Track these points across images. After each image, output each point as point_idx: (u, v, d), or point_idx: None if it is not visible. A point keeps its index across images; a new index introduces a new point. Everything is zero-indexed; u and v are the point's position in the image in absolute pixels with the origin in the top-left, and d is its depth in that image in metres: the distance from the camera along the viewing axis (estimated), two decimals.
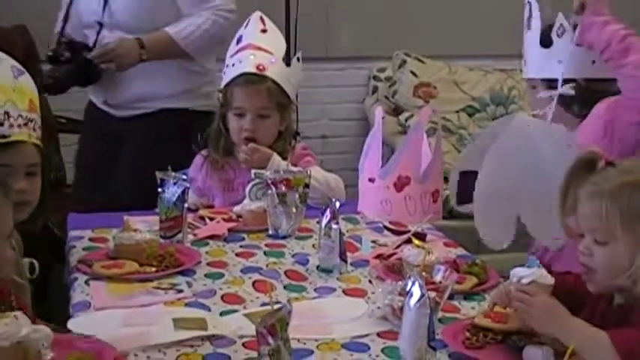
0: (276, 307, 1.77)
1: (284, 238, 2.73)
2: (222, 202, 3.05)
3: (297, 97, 4.77)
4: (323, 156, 5.00)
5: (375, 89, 5.27)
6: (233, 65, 3.07)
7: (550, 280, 2.06)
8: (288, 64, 3.19)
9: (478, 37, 5.30)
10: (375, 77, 5.29)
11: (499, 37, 5.32)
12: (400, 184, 2.86)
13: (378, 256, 2.57)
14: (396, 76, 5.12)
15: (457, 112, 5.03)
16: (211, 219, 2.83)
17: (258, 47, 3.07)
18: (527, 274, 2.05)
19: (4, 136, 2.30)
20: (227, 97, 3.07)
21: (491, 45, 5.32)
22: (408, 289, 1.96)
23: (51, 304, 2.71)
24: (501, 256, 4.28)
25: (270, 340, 1.72)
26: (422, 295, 1.92)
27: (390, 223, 2.84)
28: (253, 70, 3.02)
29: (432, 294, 2.11)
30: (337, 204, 2.47)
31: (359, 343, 2.04)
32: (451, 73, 5.16)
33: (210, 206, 3.01)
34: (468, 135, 4.91)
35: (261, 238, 2.74)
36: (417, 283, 1.94)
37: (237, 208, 2.88)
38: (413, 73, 5.09)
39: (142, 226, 2.74)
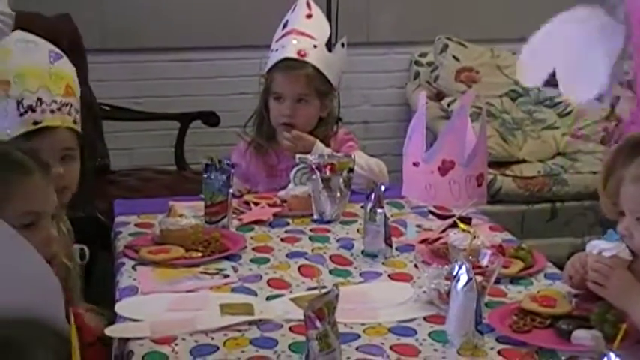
0: (323, 291, 1.77)
1: (328, 222, 2.73)
2: (265, 187, 3.05)
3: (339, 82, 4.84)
4: (365, 141, 5.00)
5: (417, 74, 5.24)
6: (276, 50, 3.07)
7: (629, 255, 2.04)
8: (330, 50, 3.18)
9: (521, 20, 5.22)
10: (416, 62, 5.26)
11: (542, 21, 5.29)
12: (444, 169, 2.84)
13: (424, 241, 2.56)
14: (438, 61, 5.09)
15: (500, 96, 5.00)
16: (256, 204, 2.84)
17: (302, 33, 3.07)
18: (609, 247, 2.03)
19: (36, 122, 2.32)
20: (268, 82, 3.07)
21: (535, 28, 5.26)
22: (454, 273, 1.96)
23: (95, 289, 2.73)
24: (546, 240, 4.31)
25: (318, 323, 1.73)
26: (469, 279, 1.91)
27: (435, 207, 2.83)
28: (294, 55, 3.02)
29: (479, 278, 2.10)
30: (382, 188, 2.47)
31: (406, 327, 2.04)
32: (493, 57, 5.13)
33: (254, 192, 3.01)
34: (511, 119, 4.88)
35: (305, 223, 2.74)
36: (464, 267, 1.93)
37: (281, 194, 2.88)
38: (455, 57, 5.06)
39: (187, 212, 2.75)
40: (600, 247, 2.05)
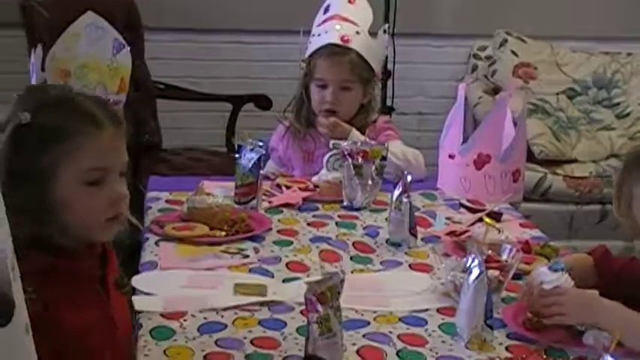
0: (327, 275, 1.77)
1: (358, 210, 2.72)
2: (301, 172, 3.05)
3: (393, 72, 4.82)
4: (418, 133, 5.00)
5: (475, 68, 5.19)
6: (319, 35, 3.05)
7: (571, 284, 1.98)
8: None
9: (582, 17, 5.17)
10: (475, 55, 5.20)
11: (604, 19, 5.21)
12: (480, 162, 2.82)
13: (450, 233, 2.53)
14: (496, 55, 5.04)
15: (557, 94, 4.92)
16: (288, 187, 2.84)
17: (345, 18, 3.04)
18: (550, 279, 1.96)
19: None
20: (310, 68, 3.06)
21: (596, 26, 5.20)
22: (468, 265, 1.94)
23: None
24: (595, 242, 4.22)
25: (320, 307, 1.72)
26: (480, 273, 1.89)
27: (468, 201, 2.80)
28: (338, 41, 3.00)
29: (496, 272, 2.08)
30: (409, 177, 2.44)
31: (417, 317, 2.03)
32: (553, 54, 5.06)
33: (290, 176, 3.01)
34: (566, 118, 4.80)
35: (335, 209, 2.73)
36: (476, 260, 1.91)
37: (314, 179, 2.88)
38: (513, 52, 5.00)
39: (219, 191, 2.76)
40: (542, 279, 1.97)
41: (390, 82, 4.85)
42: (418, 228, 2.51)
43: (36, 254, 1.64)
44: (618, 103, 4.97)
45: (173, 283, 2.14)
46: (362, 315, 2.02)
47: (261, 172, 2.68)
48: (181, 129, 5.01)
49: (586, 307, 1.89)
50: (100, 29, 2.45)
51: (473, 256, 1.93)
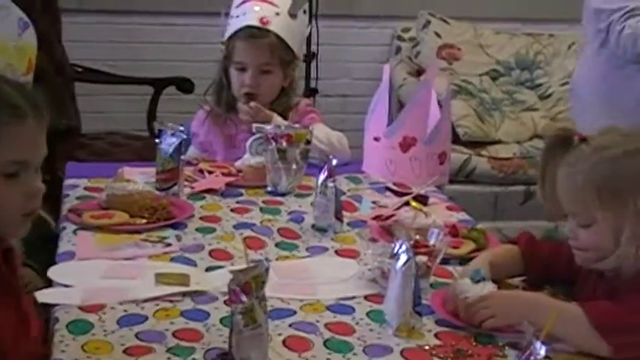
0: (252, 264, 1.71)
1: (283, 195, 2.66)
2: (223, 158, 2.97)
3: (317, 53, 4.76)
4: (342, 115, 4.96)
5: (399, 49, 5.16)
6: (237, 17, 2.97)
7: (494, 288, 1.93)
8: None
9: None
10: (399, 37, 5.18)
11: (527, 1, 5.22)
12: (406, 145, 2.79)
13: (377, 217, 2.49)
14: (420, 37, 5.02)
15: (480, 75, 4.92)
16: (210, 172, 2.77)
17: None
18: (475, 292, 1.90)
19: None
20: (229, 50, 2.98)
21: (519, 8, 5.21)
22: (395, 251, 1.89)
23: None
24: (519, 223, 4.25)
25: (244, 297, 1.66)
26: (408, 259, 1.85)
27: (394, 184, 2.76)
28: (256, 23, 2.92)
29: (424, 258, 2.04)
30: (334, 161, 2.39)
31: (344, 305, 1.98)
32: (476, 35, 5.06)
33: (212, 162, 2.94)
34: (489, 99, 4.80)
35: (259, 194, 2.67)
36: (404, 246, 1.87)
37: (237, 163, 2.81)
38: (437, 34, 4.99)
39: (140, 178, 2.69)
40: (465, 292, 1.90)
41: (313, 64, 4.81)
42: (344, 212, 2.46)
43: None
44: (541, 84, 5.00)
45: (91, 274, 2.06)
46: (288, 304, 1.96)
47: (183, 157, 2.60)
48: (101, 113, 4.91)
49: (515, 306, 1.86)
50: (4, 9, 2.35)
51: (400, 241, 1.89)
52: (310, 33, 4.58)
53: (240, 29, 2.96)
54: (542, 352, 1.46)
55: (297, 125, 2.76)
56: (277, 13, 2.97)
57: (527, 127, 4.74)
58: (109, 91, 4.85)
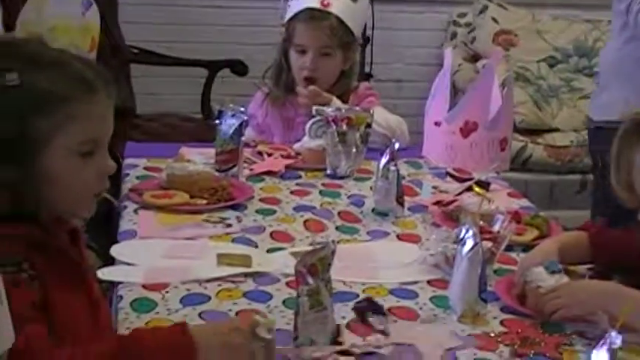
0: (318, 246, 1.69)
1: (342, 178, 2.65)
2: (281, 140, 2.96)
3: (372, 38, 4.73)
4: (396, 100, 4.91)
5: (454, 35, 5.11)
6: None
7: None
8: None
9: None
10: (454, 22, 5.12)
11: None
12: (467, 130, 2.75)
13: (437, 203, 2.46)
14: (476, 22, 4.96)
15: (538, 62, 4.86)
16: (269, 155, 2.76)
17: None
18: (549, 283, 1.86)
19: None
20: (289, 32, 2.95)
21: None
22: (461, 236, 1.87)
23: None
24: (574, 212, 4.19)
25: (310, 279, 1.64)
26: (475, 244, 1.82)
27: (454, 169, 2.73)
28: (317, 5, 2.89)
29: (488, 244, 2.01)
30: (396, 145, 2.37)
31: (407, 290, 1.96)
32: (534, 21, 4.99)
33: (270, 144, 2.92)
34: (547, 86, 4.74)
35: (318, 177, 2.66)
36: (470, 231, 1.84)
37: (296, 146, 2.79)
38: (494, 19, 4.93)
39: (199, 158, 2.69)
40: (538, 281, 1.87)
41: (368, 49, 4.78)
42: (405, 197, 2.44)
43: (25, 228, 1.51)
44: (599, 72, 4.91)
45: (154, 253, 2.06)
46: (350, 287, 1.95)
47: (242, 138, 2.59)
48: (156, 95, 4.91)
49: (585, 296, 1.81)
50: None
51: (467, 226, 1.86)
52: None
53: (301, 11, 2.93)
54: (619, 341, 1.43)
55: (357, 108, 2.73)
56: None
57: (584, 115, 4.67)
58: (163, 73, 4.85)
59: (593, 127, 3.20)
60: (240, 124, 2.57)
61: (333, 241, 1.73)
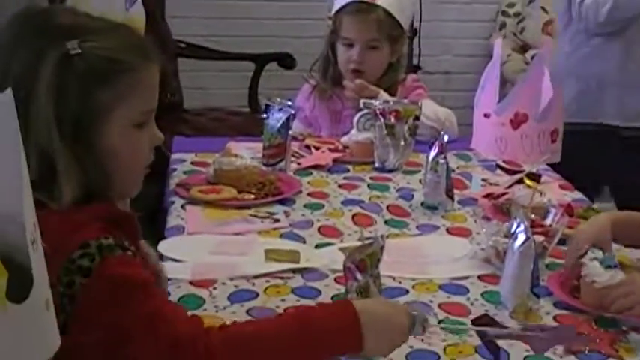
0: (367, 241, 1.67)
1: (390, 171, 2.62)
2: (328, 133, 2.94)
3: (419, 30, 4.70)
4: (444, 92, 4.88)
5: (503, 25, 5.05)
6: None
7: None
8: None
9: None
10: (503, 12, 5.06)
11: None
12: (517, 122, 2.70)
13: (488, 196, 2.43)
14: (525, 12, 4.90)
15: None
16: (317, 148, 2.74)
17: None
18: (605, 278, 1.81)
19: None
20: (336, 25, 2.93)
21: None
22: (512, 230, 1.83)
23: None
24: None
25: (359, 275, 1.62)
26: (527, 238, 1.79)
27: (504, 162, 2.69)
28: None
29: (540, 238, 1.98)
30: (445, 138, 2.34)
31: (458, 285, 1.93)
32: None
33: (318, 137, 2.90)
34: None
35: (366, 171, 2.63)
36: (522, 225, 1.81)
37: (344, 139, 2.77)
38: (543, 9, 4.86)
39: (246, 153, 2.67)
40: (592, 276, 1.82)
41: (416, 41, 4.74)
42: (455, 190, 2.41)
43: (106, 207, 1.45)
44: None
45: (201, 249, 2.04)
46: (400, 283, 1.92)
47: (290, 132, 2.58)
48: (203, 89, 4.91)
49: None
50: None
51: (518, 220, 1.83)
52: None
53: (348, 3, 2.91)
54: None
55: (405, 100, 2.71)
56: None
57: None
58: (211, 67, 4.86)
59: None
60: (288, 118, 2.55)
61: (382, 236, 1.71)
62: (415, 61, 4.75)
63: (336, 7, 2.96)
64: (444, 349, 1.66)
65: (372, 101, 2.67)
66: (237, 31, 4.89)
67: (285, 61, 4.58)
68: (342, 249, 2.04)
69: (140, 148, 1.50)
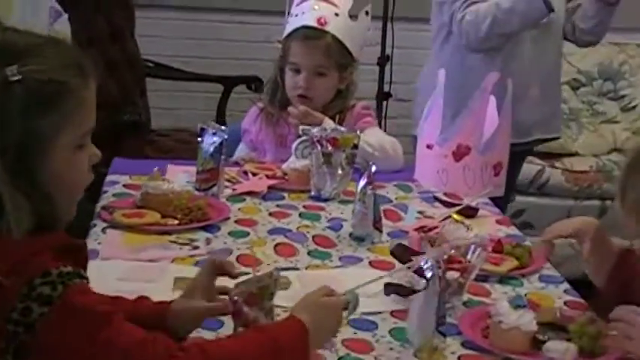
0: (258, 274, 1.62)
1: (326, 200, 2.57)
2: (273, 157, 2.89)
3: (391, 57, 4.65)
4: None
5: None
6: (296, 16, 2.89)
7: (534, 327, 1.78)
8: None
9: None
10: None
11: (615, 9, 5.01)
12: (459, 154, 2.67)
13: (419, 228, 2.37)
14: None
15: (560, 84, 4.73)
16: (254, 174, 2.69)
17: None
18: (510, 318, 1.77)
19: None
20: (285, 50, 2.90)
21: None
22: (421, 266, 1.78)
23: None
24: None
25: (246, 309, 1.57)
26: (432, 275, 1.73)
27: (445, 194, 2.64)
28: (313, 23, 2.83)
29: (456, 274, 1.92)
30: (373, 168, 2.29)
31: (368, 320, 1.88)
32: None
33: (260, 162, 2.85)
34: (567, 109, 4.62)
35: (301, 199, 2.58)
36: (429, 262, 1.75)
37: (284, 166, 2.72)
38: None
39: (182, 177, 2.63)
40: (499, 317, 1.77)
41: (388, 68, 4.70)
42: (387, 222, 2.37)
43: (55, 236, 1.42)
44: (624, 96, 4.80)
45: (109, 275, 1.99)
46: None
47: (223, 157, 2.53)
48: (172, 109, 4.88)
49: None
50: None
51: (427, 256, 1.77)
52: (385, 36, 4.51)
53: (297, 29, 2.88)
54: None
55: (343, 129, 2.66)
56: (336, 14, 2.87)
57: (606, 139, 4.56)
58: (180, 88, 4.82)
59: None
60: (221, 143, 2.51)
61: (276, 269, 1.66)
62: (386, 88, 4.70)
63: (287, 31, 2.93)
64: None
65: (310, 128, 2.62)
66: (207, 52, 4.86)
67: (254, 83, 4.54)
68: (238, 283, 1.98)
69: (83, 170, 1.47)
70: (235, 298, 1.57)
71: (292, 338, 1.49)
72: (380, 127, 4.12)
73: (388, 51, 4.61)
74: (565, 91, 4.70)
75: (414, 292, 1.76)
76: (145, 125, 4.49)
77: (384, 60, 4.61)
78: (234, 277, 1.69)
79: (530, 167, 4.23)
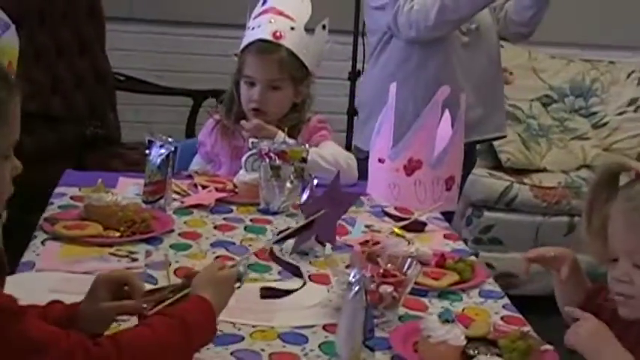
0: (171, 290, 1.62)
1: (274, 214, 2.55)
2: (228, 169, 2.88)
3: (362, 72, 4.63)
4: None
5: None
6: (252, 29, 2.89)
7: (462, 341, 1.78)
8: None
9: (564, 23, 4.97)
10: None
11: (586, 25, 5.02)
12: (410, 168, 2.66)
13: (365, 243, 2.36)
14: None
15: (531, 100, 4.75)
16: (204, 187, 2.67)
17: (280, 12, 2.86)
18: (438, 332, 1.76)
19: None
20: (241, 64, 2.89)
21: (578, 33, 5.02)
22: (350, 280, 1.76)
23: None
24: None
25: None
26: (358, 289, 1.72)
27: (396, 208, 2.63)
28: (269, 37, 2.82)
29: (389, 288, 1.91)
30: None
31: (298, 334, 1.86)
32: (530, 59, 4.88)
33: (214, 175, 2.84)
34: (537, 125, 4.62)
35: (249, 212, 2.57)
36: (357, 275, 1.74)
37: (235, 179, 2.71)
38: None
39: (132, 189, 2.62)
40: (428, 331, 1.77)
41: (359, 83, 4.68)
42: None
43: None
44: (595, 112, 4.81)
45: (41, 287, 1.97)
46: (239, 329, 1.85)
47: (170, 169, 2.51)
48: (143, 123, 4.85)
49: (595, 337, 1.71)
50: None
51: (356, 270, 1.76)
52: (356, 50, 4.50)
53: (252, 42, 2.87)
54: None
55: (292, 142, 2.64)
56: (292, 28, 2.86)
57: (575, 156, 4.55)
58: (150, 101, 4.81)
59: (363, 158, 2.94)
60: (168, 155, 2.50)
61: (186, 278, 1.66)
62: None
63: (243, 45, 2.92)
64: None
65: (259, 141, 2.61)
66: (178, 66, 4.86)
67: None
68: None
69: (5, 181, 1.48)
70: (144, 305, 1.56)
71: (199, 315, 1.59)
72: (351, 142, 4.11)
73: (359, 66, 4.60)
74: (536, 107, 4.72)
75: (288, 292, 1.88)
76: (113, 139, 4.48)
77: (354, 75, 4.60)
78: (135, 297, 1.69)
79: (498, 183, 4.23)
